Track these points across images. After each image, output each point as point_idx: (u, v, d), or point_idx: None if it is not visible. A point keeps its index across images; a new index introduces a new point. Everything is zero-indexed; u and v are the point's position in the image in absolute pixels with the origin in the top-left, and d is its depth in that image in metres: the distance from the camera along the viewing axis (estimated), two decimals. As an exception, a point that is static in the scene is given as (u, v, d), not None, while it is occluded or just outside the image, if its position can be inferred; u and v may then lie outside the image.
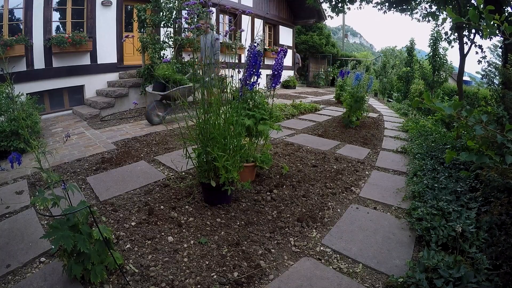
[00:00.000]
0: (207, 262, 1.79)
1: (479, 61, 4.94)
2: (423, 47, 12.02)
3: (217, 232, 2.10)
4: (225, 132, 2.33)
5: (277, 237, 2.09)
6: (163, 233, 2.05)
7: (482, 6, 1.51)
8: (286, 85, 13.02)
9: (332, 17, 37.82)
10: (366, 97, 5.86)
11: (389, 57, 15.06)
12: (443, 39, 6.44)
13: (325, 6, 10.06)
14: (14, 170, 2.88)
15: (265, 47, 12.25)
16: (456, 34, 5.29)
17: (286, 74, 13.20)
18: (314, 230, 2.19)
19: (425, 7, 6.36)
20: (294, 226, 2.21)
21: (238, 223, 2.22)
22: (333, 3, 6.88)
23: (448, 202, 2.30)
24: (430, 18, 6.21)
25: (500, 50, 5.79)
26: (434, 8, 6.13)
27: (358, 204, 2.61)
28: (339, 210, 2.51)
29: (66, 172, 3.10)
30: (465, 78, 9.24)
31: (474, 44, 4.83)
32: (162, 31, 6.63)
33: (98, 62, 6.66)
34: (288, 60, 14.02)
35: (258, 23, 11.67)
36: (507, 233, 1.79)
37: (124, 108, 6.34)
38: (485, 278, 1.53)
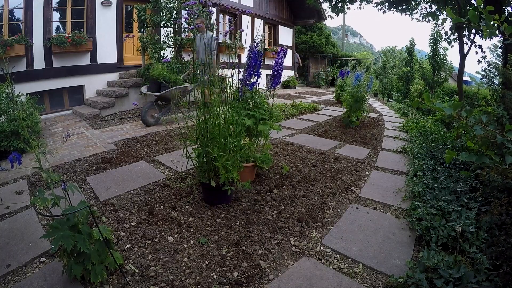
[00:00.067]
0: (207, 262, 1.79)
1: (479, 61, 4.95)
2: (423, 47, 12.02)
3: (217, 232, 2.10)
4: (225, 132, 2.33)
5: (277, 237, 2.09)
6: (163, 233, 2.05)
7: (482, 6, 1.51)
8: (286, 85, 13.02)
9: (332, 17, 37.84)
10: (366, 97, 5.86)
11: (389, 57, 15.05)
12: (443, 39, 6.44)
13: (325, 6, 10.07)
14: (14, 170, 2.88)
15: (265, 47, 12.25)
16: (456, 34, 5.29)
17: (286, 74, 13.20)
18: (314, 230, 2.19)
19: (425, 7, 6.37)
20: (294, 226, 2.21)
21: (238, 223, 2.22)
22: (333, 3, 6.89)
23: (448, 202, 2.30)
24: (430, 18, 6.21)
25: (500, 50, 5.79)
26: (434, 8, 6.14)
27: (358, 204, 2.61)
28: (339, 210, 2.51)
29: (66, 172, 3.10)
30: (465, 78, 9.24)
31: (474, 44, 4.83)
32: (162, 31, 6.62)
33: (98, 62, 6.66)
34: (288, 60, 14.02)
35: (258, 23, 11.67)
36: (507, 233, 1.79)
37: (124, 108, 6.34)
38: (485, 278, 1.53)
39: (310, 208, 2.49)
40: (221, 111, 2.36)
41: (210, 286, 1.60)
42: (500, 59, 6.25)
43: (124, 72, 7.05)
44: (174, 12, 6.39)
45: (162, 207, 2.40)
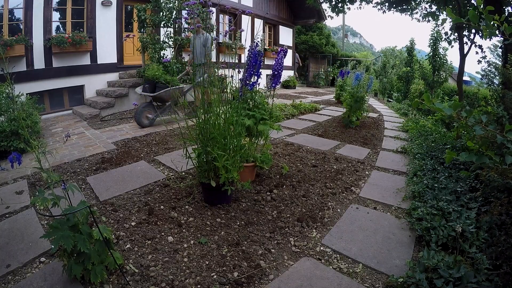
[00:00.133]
0: (207, 262, 1.79)
1: (479, 61, 4.95)
2: (423, 47, 12.02)
3: (217, 232, 2.10)
4: (225, 132, 2.33)
5: (277, 237, 2.09)
6: (163, 233, 2.05)
7: (482, 6, 1.51)
8: (286, 85, 13.02)
9: (332, 17, 37.86)
10: (366, 97, 5.86)
11: (389, 57, 15.05)
12: (443, 39, 6.44)
13: (325, 6, 10.06)
14: (14, 170, 2.88)
15: (265, 47, 12.25)
16: (456, 34, 5.29)
17: (286, 74, 13.20)
18: (314, 230, 2.19)
19: (425, 7, 6.37)
20: (294, 226, 2.21)
21: (238, 223, 2.22)
22: (333, 3, 6.89)
23: (448, 202, 2.30)
24: (430, 18, 6.21)
25: (500, 50, 5.79)
26: (434, 8, 6.14)
27: (358, 204, 2.61)
28: (339, 210, 2.51)
29: (66, 172, 3.10)
30: (465, 78, 9.24)
31: (474, 44, 4.83)
32: (162, 31, 6.63)
33: (98, 62, 6.66)
34: (288, 60, 14.02)
35: (258, 23, 11.67)
36: (507, 233, 1.79)
37: (124, 108, 6.34)
38: (485, 278, 1.53)
39: (310, 208, 2.49)
40: (221, 111, 2.36)
41: (210, 286, 1.60)
42: (500, 59, 6.25)
43: (124, 72, 7.05)
44: (174, 12, 6.39)
45: (162, 207, 2.40)
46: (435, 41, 9.47)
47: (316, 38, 16.06)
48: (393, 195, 2.76)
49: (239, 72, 2.58)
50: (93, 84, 6.67)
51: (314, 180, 3.04)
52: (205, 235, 2.06)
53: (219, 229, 2.13)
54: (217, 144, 2.27)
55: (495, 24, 1.48)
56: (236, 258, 1.83)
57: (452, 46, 5.95)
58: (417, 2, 6.34)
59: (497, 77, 4.90)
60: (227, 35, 2.60)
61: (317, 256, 1.90)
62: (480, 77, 5.62)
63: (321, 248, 2.00)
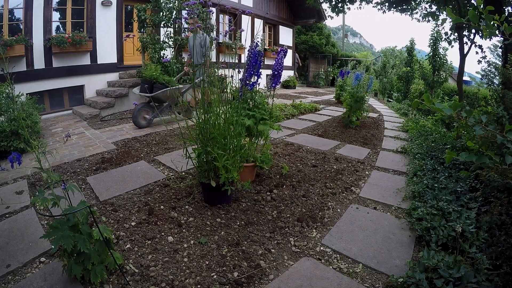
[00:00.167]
0: (207, 262, 1.79)
1: (479, 61, 4.95)
2: (423, 47, 12.02)
3: (217, 232, 2.10)
4: (225, 132, 2.33)
5: (277, 237, 2.09)
6: (163, 233, 2.05)
7: (482, 6, 1.51)
8: (286, 85, 13.02)
9: (332, 17, 37.87)
10: (366, 97, 5.86)
11: (389, 57, 15.05)
12: (443, 39, 6.44)
13: (325, 6, 10.06)
14: (14, 170, 2.88)
15: (265, 47, 12.25)
16: (456, 34, 5.29)
17: (286, 74, 13.20)
18: (314, 230, 2.19)
19: (425, 7, 6.37)
20: (294, 226, 2.21)
21: (238, 223, 2.22)
22: (333, 3, 6.89)
23: (448, 202, 2.30)
24: (430, 18, 6.22)
25: (500, 50, 5.79)
26: (434, 8, 6.14)
27: (358, 204, 2.61)
28: (339, 210, 2.51)
29: (66, 172, 3.10)
30: (465, 78, 9.24)
31: (474, 44, 4.83)
32: (162, 31, 6.63)
33: (98, 62, 6.66)
34: (288, 60, 14.02)
35: (258, 23, 11.67)
36: (507, 233, 1.79)
37: (124, 108, 6.34)
38: (485, 278, 1.53)
39: (310, 208, 2.49)
40: (221, 111, 2.36)
41: (210, 286, 1.60)
42: (500, 59, 6.25)
43: (124, 72, 7.05)
44: (174, 12, 6.39)
45: (162, 207, 2.40)
46: (435, 41, 9.47)
47: (316, 38, 16.06)
48: (393, 195, 2.76)
49: (239, 72, 2.58)
50: (93, 84, 6.67)
51: (314, 180, 3.04)
52: (205, 235, 2.06)
53: (219, 229, 2.13)
54: (217, 144, 2.27)
55: (495, 24, 1.48)
56: (236, 258, 1.83)
57: (452, 46, 5.96)
58: (417, 2, 6.34)
59: (497, 77, 4.89)
60: (227, 35, 2.60)
61: (317, 256, 1.90)
62: (480, 77, 5.62)
63: (321, 248, 2.00)
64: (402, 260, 1.85)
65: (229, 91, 2.68)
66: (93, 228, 1.55)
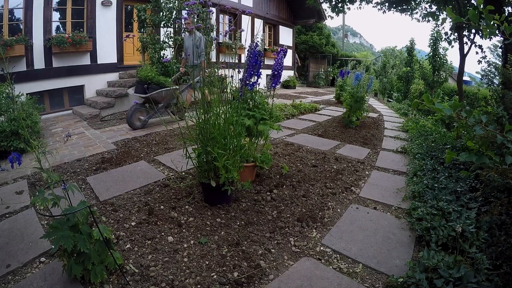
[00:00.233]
0: (207, 262, 1.79)
1: (479, 61, 4.95)
2: (423, 47, 12.03)
3: (217, 232, 2.10)
4: (225, 132, 2.33)
5: (277, 237, 2.09)
6: (163, 233, 2.05)
7: (482, 6, 1.51)
8: (286, 85, 13.02)
9: (332, 17, 37.88)
10: (366, 97, 5.86)
11: (389, 57, 15.06)
12: (443, 39, 6.44)
13: (325, 6, 10.06)
14: (14, 170, 2.88)
15: (265, 47, 12.25)
16: (456, 34, 5.29)
17: (286, 74, 13.20)
18: (314, 230, 2.19)
19: (425, 7, 6.37)
20: (294, 226, 2.21)
21: (238, 223, 2.22)
22: (333, 3, 6.89)
23: (448, 202, 2.30)
24: (430, 18, 6.21)
25: (500, 50, 5.79)
26: (434, 8, 6.14)
27: (358, 204, 2.61)
28: (339, 210, 2.51)
29: (66, 172, 3.10)
30: (465, 78, 9.25)
31: (474, 44, 4.83)
32: (162, 31, 6.63)
33: (98, 62, 6.66)
34: (288, 60, 14.03)
35: (258, 23, 11.67)
36: (507, 233, 1.79)
37: (124, 108, 6.33)
38: (485, 278, 1.53)
39: (310, 208, 2.49)
40: (221, 111, 2.36)
41: (210, 286, 1.60)
42: (500, 59, 6.25)
43: (124, 72, 7.05)
44: (174, 12, 6.39)
45: (162, 207, 2.40)
46: (435, 41, 9.48)
47: (316, 38, 16.06)
48: (393, 195, 2.76)
49: (239, 72, 2.58)
50: (93, 84, 6.67)
51: (314, 180, 3.04)
52: (205, 235, 2.06)
53: (219, 229, 2.13)
54: (217, 144, 2.27)
55: (495, 24, 1.48)
56: (236, 258, 1.83)
57: (452, 46, 5.95)
58: (417, 2, 6.34)
59: (497, 77, 4.90)
60: (227, 35, 2.60)
61: (317, 256, 1.90)
62: (480, 77, 5.62)
63: (321, 248, 2.00)
64: (402, 260, 1.85)
65: (229, 91, 2.68)
66: (93, 228, 1.55)
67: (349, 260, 1.88)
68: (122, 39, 6.90)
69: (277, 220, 2.29)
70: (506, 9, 4.24)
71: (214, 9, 9.02)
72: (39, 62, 5.70)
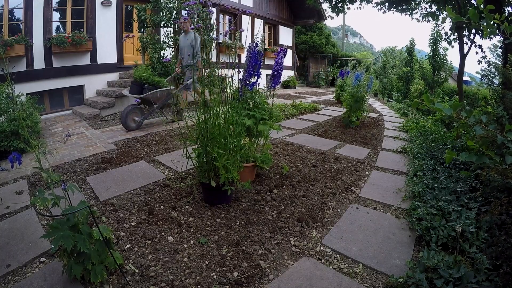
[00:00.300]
0: (207, 262, 1.79)
1: (479, 61, 4.95)
2: (423, 47, 12.03)
3: (217, 232, 2.10)
4: (225, 132, 2.33)
5: (277, 237, 2.09)
6: (163, 233, 2.05)
7: (482, 5, 1.51)
8: (286, 85, 13.02)
9: (332, 17, 37.89)
10: (366, 97, 5.87)
11: (389, 57, 15.06)
12: (443, 39, 6.45)
13: (325, 6, 10.06)
14: (14, 170, 2.88)
15: (265, 47, 12.26)
16: (456, 34, 5.29)
17: (286, 74, 13.20)
18: (314, 230, 2.19)
19: (425, 7, 6.37)
20: (294, 226, 2.21)
21: (238, 223, 2.22)
22: (333, 3, 6.89)
23: (448, 202, 2.30)
24: (430, 18, 6.21)
25: (500, 50, 5.79)
26: (434, 8, 6.14)
27: (358, 204, 2.61)
28: (339, 210, 2.51)
29: (66, 172, 3.10)
30: (465, 78, 9.25)
31: (474, 44, 4.83)
32: (162, 31, 6.63)
33: (98, 62, 6.66)
34: (288, 60, 14.03)
35: (258, 23, 11.67)
36: (507, 233, 1.79)
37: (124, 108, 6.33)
38: (485, 278, 1.53)
39: (310, 208, 2.49)
40: (221, 111, 2.36)
41: (210, 286, 1.60)
42: (500, 59, 6.25)
43: (124, 72, 7.05)
44: (174, 12, 6.39)
45: (162, 207, 2.40)
46: (435, 41, 9.48)
47: (316, 38, 16.06)
48: (393, 195, 2.76)
49: (239, 72, 2.58)
50: (93, 84, 6.67)
51: (314, 180, 3.04)
52: (205, 235, 2.06)
53: (219, 229, 2.13)
54: (217, 144, 2.27)
55: (495, 23, 1.48)
56: (236, 258, 1.83)
57: (452, 46, 5.96)
58: (417, 2, 6.34)
59: (497, 77, 4.90)
60: (227, 35, 2.60)
61: (317, 256, 1.90)
62: (480, 77, 5.62)
63: (321, 248, 2.00)
64: (402, 260, 1.85)
65: (229, 91, 2.67)
66: (93, 228, 1.55)
67: (349, 260, 1.88)
68: (122, 39, 6.90)
69: (277, 220, 2.29)
70: (506, 9, 4.24)
71: (214, 9, 9.02)
72: (39, 62, 5.70)
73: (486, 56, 4.97)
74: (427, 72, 9.99)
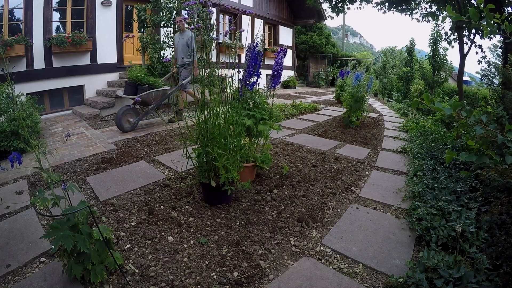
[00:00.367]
0: (207, 262, 1.79)
1: (479, 61, 4.95)
2: (423, 47, 12.04)
3: (217, 232, 2.10)
4: (225, 132, 2.33)
5: (277, 237, 2.09)
6: (163, 233, 2.05)
7: (482, 5, 1.51)
8: (286, 85, 13.02)
9: (332, 17, 37.91)
10: (366, 97, 5.86)
11: (389, 57, 15.06)
12: (443, 39, 6.45)
13: (325, 6, 10.06)
14: (14, 170, 2.88)
15: (265, 47, 12.26)
16: (456, 34, 5.29)
17: (286, 74, 13.20)
18: (314, 230, 2.19)
19: (425, 7, 6.37)
20: (294, 226, 2.21)
21: (238, 223, 2.22)
22: (333, 3, 6.89)
23: (448, 202, 2.30)
24: (430, 18, 6.21)
25: (500, 50, 5.79)
26: (434, 8, 6.14)
27: (358, 204, 2.61)
28: (339, 210, 2.51)
29: (66, 172, 3.10)
30: (465, 78, 9.25)
31: (474, 44, 4.83)
32: (162, 31, 6.63)
33: (98, 62, 6.66)
34: (288, 60, 14.03)
35: (258, 23, 11.67)
36: (507, 233, 1.79)
37: (124, 108, 6.33)
38: (485, 278, 1.53)
39: (310, 208, 2.49)
40: (221, 111, 2.36)
41: (210, 286, 1.60)
42: (500, 59, 6.25)
43: (124, 72, 7.03)
44: (174, 12, 6.39)
45: (162, 207, 2.40)
46: (435, 41, 9.48)
47: (316, 38, 16.06)
48: (393, 195, 2.76)
49: (239, 72, 2.58)
50: (93, 84, 6.67)
51: (314, 180, 3.04)
52: (205, 235, 2.06)
53: (219, 229, 2.13)
54: (217, 144, 2.27)
55: (495, 23, 1.48)
56: (236, 258, 1.83)
57: (452, 46, 5.96)
58: (417, 2, 6.34)
59: (497, 77, 4.90)
60: (227, 35, 2.60)
61: (317, 256, 1.90)
62: (480, 77, 5.62)
63: (321, 248, 2.00)
64: (402, 260, 1.85)
65: (229, 91, 2.67)
66: (93, 228, 1.55)
67: (349, 260, 1.88)
68: (122, 39, 6.90)
69: (277, 220, 2.29)
70: (506, 9, 4.24)
71: (214, 9, 9.02)
72: (39, 62, 5.70)
73: (486, 56, 4.98)
74: (427, 72, 9.99)
